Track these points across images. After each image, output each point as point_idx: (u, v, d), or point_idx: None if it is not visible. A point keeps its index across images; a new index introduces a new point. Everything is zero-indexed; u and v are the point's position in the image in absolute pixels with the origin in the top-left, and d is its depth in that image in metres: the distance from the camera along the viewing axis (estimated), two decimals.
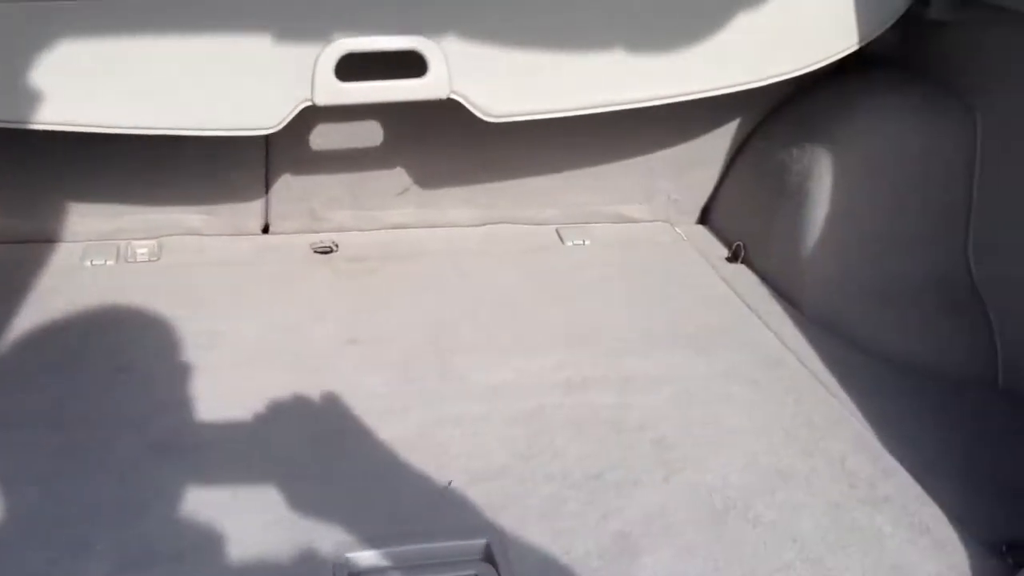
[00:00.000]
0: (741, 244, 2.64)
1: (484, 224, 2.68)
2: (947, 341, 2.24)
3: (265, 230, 2.56)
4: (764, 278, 2.53)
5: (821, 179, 2.37)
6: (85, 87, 1.99)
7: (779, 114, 2.60)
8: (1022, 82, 2.13)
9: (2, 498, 1.65)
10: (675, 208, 2.81)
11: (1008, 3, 2.10)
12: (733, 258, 2.65)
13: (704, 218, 2.85)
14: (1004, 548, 1.68)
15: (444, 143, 2.50)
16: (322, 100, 2.03)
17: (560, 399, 2.01)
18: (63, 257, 2.38)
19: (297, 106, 2.04)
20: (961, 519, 1.74)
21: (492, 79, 2.14)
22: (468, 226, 2.66)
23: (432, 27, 2.09)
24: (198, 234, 2.50)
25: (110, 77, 1.99)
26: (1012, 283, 2.17)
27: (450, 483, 1.74)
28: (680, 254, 2.68)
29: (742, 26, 2.22)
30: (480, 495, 1.72)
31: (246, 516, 1.64)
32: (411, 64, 2.11)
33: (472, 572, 1.55)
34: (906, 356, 2.23)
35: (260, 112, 2.03)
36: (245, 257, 2.46)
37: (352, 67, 2.08)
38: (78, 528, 1.60)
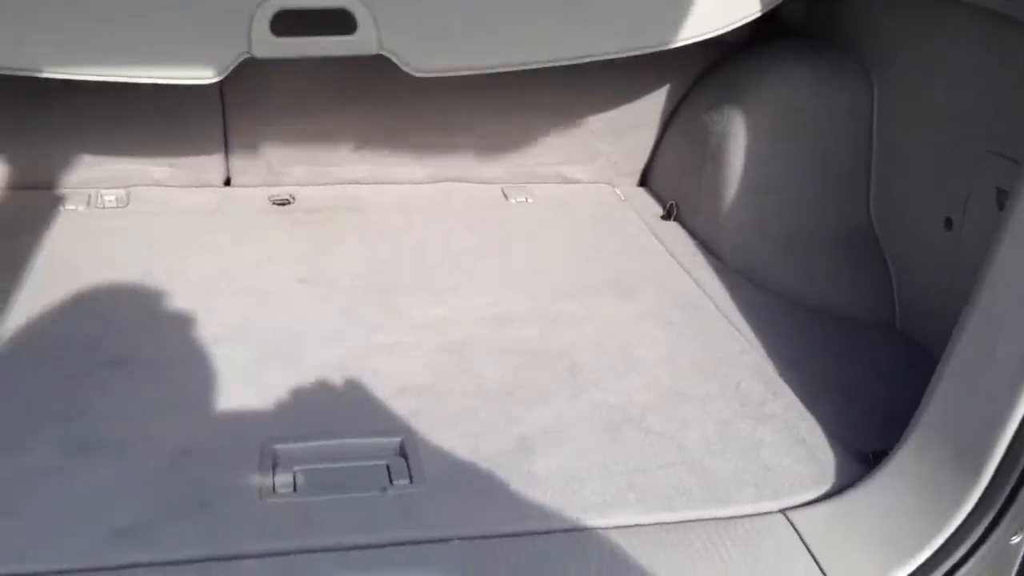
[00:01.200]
0: (674, 203, 2.83)
1: (433, 182, 2.86)
2: (850, 286, 2.43)
3: (227, 183, 2.75)
4: (693, 233, 2.72)
5: (737, 140, 2.57)
6: (32, 34, 2.13)
7: (704, 81, 2.80)
8: (912, 52, 2.32)
9: None
10: (615, 170, 2.99)
11: None
12: (667, 216, 2.84)
13: (644, 180, 3.04)
14: (871, 455, 1.85)
15: (396, 105, 2.69)
16: (259, 53, 2.21)
17: (487, 332, 2.20)
18: (38, 202, 2.57)
19: (237, 58, 2.22)
20: (838, 435, 1.92)
21: (420, 36, 2.31)
22: (417, 183, 2.85)
23: None
24: (163, 185, 2.69)
25: (53, 23, 2.13)
26: (907, 233, 2.36)
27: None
28: (617, 213, 2.86)
29: None
30: (401, 405, 1.91)
31: (185, 414, 1.83)
32: (347, 24, 2.29)
33: (385, 462, 1.74)
34: (813, 300, 2.42)
35: (203, 63, 2.21)
36: (207, 207, 2.65)
37: (292, 27, 2.25)
38: (25, 421, 1.79)
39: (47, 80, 2.16)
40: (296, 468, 1.71)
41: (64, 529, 1.55)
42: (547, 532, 1.62)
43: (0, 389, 1.87)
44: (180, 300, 2.22)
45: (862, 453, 1.86)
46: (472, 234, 2.65)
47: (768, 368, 2.14)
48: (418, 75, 2.33)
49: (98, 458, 1.70)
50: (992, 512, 1.53)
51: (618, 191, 2.98)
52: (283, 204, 2.71)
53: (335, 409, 1.89)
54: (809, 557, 1.60)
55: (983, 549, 1.52)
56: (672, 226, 2.79)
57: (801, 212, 2.52)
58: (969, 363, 1.64)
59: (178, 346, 2.05)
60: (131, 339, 2.06)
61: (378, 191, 2.80)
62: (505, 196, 2.86)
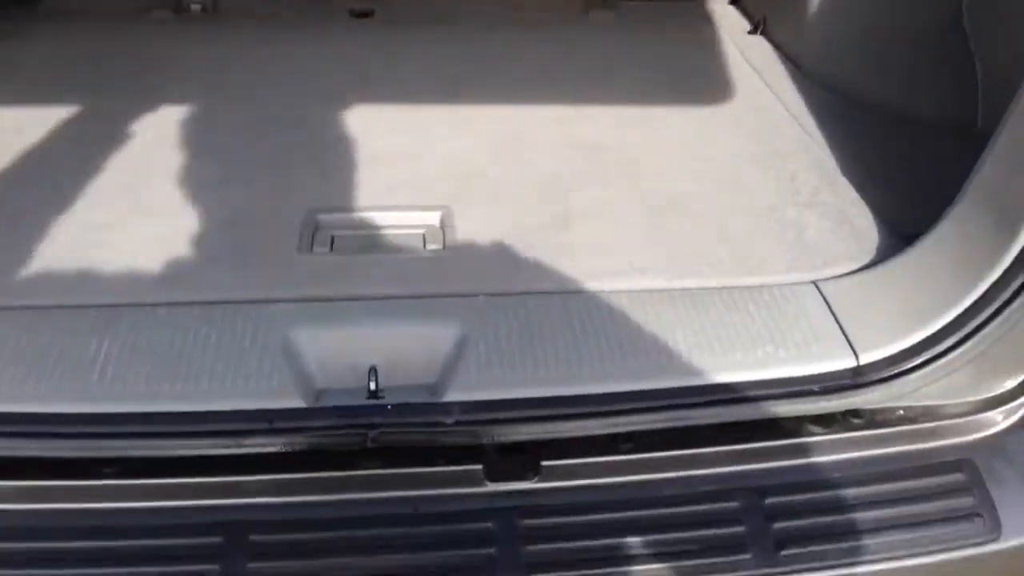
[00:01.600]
0: (763, 16, 2.73)
1: None
2: (933, 87, 2.30)
3: None
4: (778, 47, 2.63)
5: None
6: None
7: None
8: None
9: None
10: None
11: None
12: (754, 30, 2.75)
13: None
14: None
15: None
16: None
17: (547, 129, 2.20)
18: (126, 8, 2.69)
19: None
20: (889, 221, 1.87)
21: None
22: None
23: None
24: None
25: None
26: (996, 28, 2.21)
27: None
28: (702, 28, 2.78)
29: None
30: (447, 185, 1.96)
31: (237, 188, 1.93)
32: None
33: (422, 231, 1.80)
34: (894, 104, 2.30)
35: None
36: (289, 16, 2.73)
37: None
38: (98, 185, 1.93)
39: None
40: (335, 233, 1.79)
41: (118, 272, 1.67)
42: (572, 291, 1.66)
43: (80, 161, 2.01)
44: (254, 100, 2.29)
45: (909, 234, 1.80)
46: (549, 46, 2.62)
47: (829, 163, 2.08)
48: None
49: (154, 219, 1.82)
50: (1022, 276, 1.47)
51: (708, 8, 2.89)
52: (363, 16, 2.75)
53: (382, 187, 1.95)
54: (832, 319, 1.58)
55: (1007, 312, 1.47)
56: (758, 40, 2.71)
57: (888, 15, 2.39)
58: (1019, 138, 1.56)
59: (243, 136, 2.13)
60: (201, 130, 2.16)
61: (454, 4, 2.80)
62: (586, 12, 2.82)
